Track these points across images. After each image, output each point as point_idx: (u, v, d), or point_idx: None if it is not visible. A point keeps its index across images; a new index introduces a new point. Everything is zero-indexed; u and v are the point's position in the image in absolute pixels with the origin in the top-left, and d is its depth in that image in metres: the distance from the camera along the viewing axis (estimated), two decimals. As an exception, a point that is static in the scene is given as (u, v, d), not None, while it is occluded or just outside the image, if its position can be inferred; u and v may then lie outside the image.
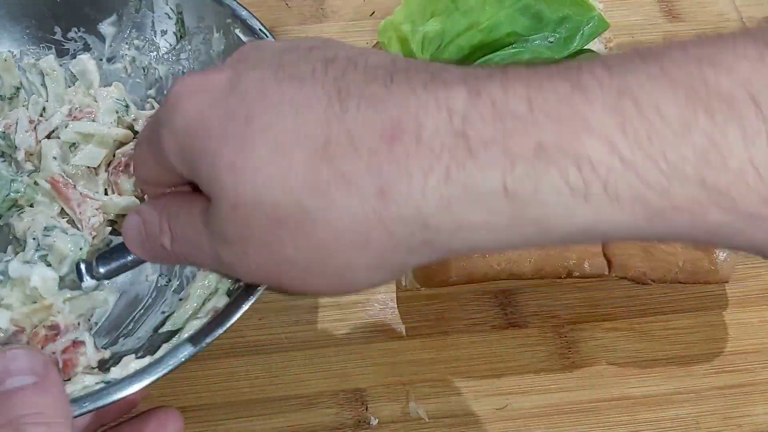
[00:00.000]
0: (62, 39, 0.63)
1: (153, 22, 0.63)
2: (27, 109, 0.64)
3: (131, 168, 0.59)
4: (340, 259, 0.32)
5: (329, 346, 0.61)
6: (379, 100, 0.31)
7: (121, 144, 0.62)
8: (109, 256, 0.47)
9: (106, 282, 0.51)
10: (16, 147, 0.61)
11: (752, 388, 0.61)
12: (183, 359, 0.44)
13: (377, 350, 0.61)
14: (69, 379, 0.44)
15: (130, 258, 0.45)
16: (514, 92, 0.30)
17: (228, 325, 0.44)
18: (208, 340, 0.44)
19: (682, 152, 0.28)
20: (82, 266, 0.47)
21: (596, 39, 0.66)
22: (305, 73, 0.32)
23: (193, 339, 0.44)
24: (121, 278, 0.52)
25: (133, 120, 0.62)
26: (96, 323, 0.52)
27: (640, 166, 0.28)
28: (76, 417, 0.39)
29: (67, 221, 0.59)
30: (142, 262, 0.46)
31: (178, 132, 0.34)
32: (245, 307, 0.43)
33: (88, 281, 0.47)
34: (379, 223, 0.31)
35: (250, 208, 0.32)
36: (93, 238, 0.57)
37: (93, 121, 0.61)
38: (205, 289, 0.48)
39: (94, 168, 0.61)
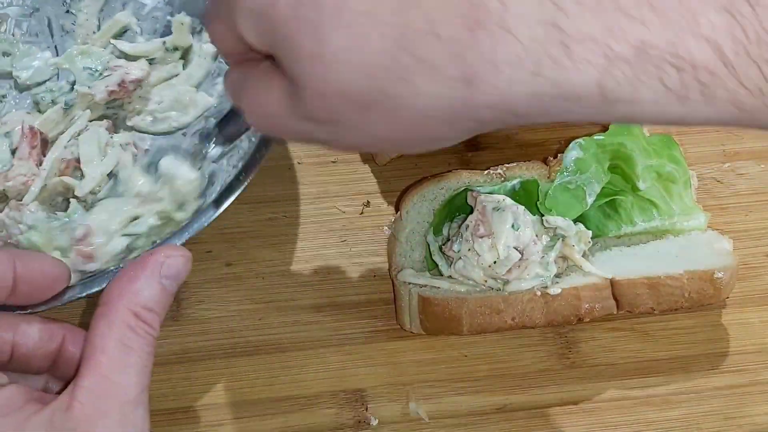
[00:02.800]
0: None
1: None
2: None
3: None
4: (430, 134, 0.33)
5: (329, 346, 0.61)
6: None
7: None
8: (226, 121, 0.49)
9: None
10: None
11: (753, 388, 0.60)
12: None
13: (377, 350, 0.61)
14: None
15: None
16: None
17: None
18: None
19: None
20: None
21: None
22: None
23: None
24: None
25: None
26: None
27: (743, 73, 0.28)
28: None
29: None
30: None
31: (250, 14, 0.33)
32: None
33: (213, 149, 0.50)
34: (466, 108, 0.31)
35: (337, 97, 0.32)
36: None
37: None
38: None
39: None
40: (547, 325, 0.59)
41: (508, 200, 0.59)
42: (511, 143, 0.71)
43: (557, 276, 0.59)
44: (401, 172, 0.69)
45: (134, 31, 0.69)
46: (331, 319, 0.62)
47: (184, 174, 0.53)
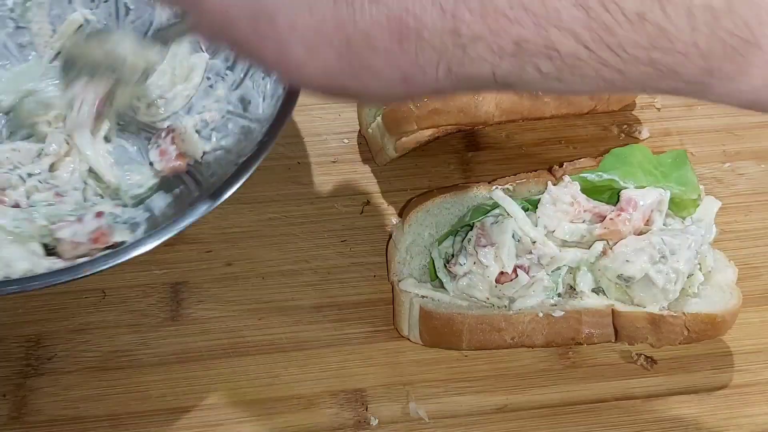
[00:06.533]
0: None
1: None
2: None
3: None
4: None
5: (329, 346, 0.61)
6: None
7: None
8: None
9: None
10: None
11: (752, 388, 0.61)
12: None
13: (377, 350, 0.61)
14: None
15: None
16: None
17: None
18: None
19: (637, 38, 0.34)
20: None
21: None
22: None
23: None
24: None
25: None
26: None
27: (602, 53, 0.35)
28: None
29: None
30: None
31: (207, 14, 0.39)
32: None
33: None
34: (408, 96, 0.39)
35: (308, 88, 0.40)
36: None
37: None
38: None
39: None
40: (546, 346, 0.59)
41: (505, 215, 0.59)
42: (511, 143, 0.71)
43: (560, 296, 0.59)
44: (401, 172, 0.69)
45: (92, 23, 0.67)
46: (331, 319, 0.62)
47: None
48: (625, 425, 0.59)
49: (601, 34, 0.34)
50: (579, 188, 0.59)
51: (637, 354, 0.61)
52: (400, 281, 0.60)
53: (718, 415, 0.59)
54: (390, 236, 0.63)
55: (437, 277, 0.60)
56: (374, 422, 0.58)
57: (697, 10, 0.33)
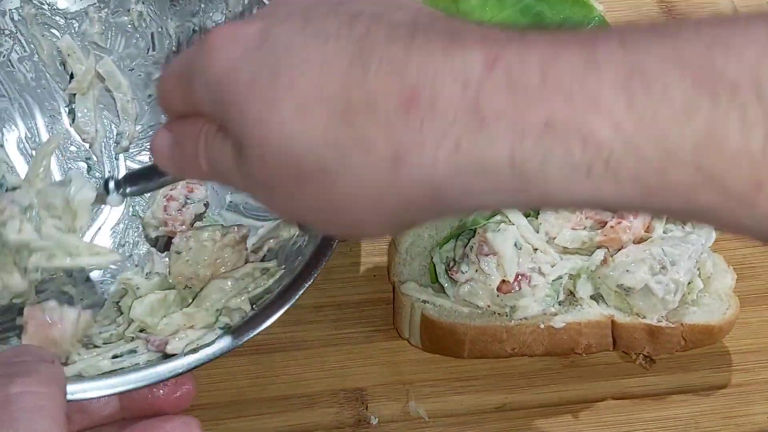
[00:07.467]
0: None
1: None
2: None
3: None
4: (354, 216, 0.35)
5: (329, 346, 0.61)
6: (398, 63, 0.32)
7: None
8: (137, 175, 0.50)
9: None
10: None
11: (752, 387, 0.61)
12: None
13: (377, 350, 0.61)
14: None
15: (157, 179, 0.48)
16: (529, 62, 0.30)
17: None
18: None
19: (683, 136, 0.29)
20: (111, 183, 0.49)
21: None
22: (330, 30, 0.34)
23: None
24: None
25: None
26: None
27: (642, 147, 0.29)
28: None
29: None
30: (167, 183, 0.49)
31: (210, 83, 0.36)
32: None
33: (115, 197, 0.49)
34: (392, 186, 0.32)
35: (276, 161, 0.34)
36: None
37: None
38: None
39: None
40: (544, 355, 0.60)
41: (507, 222, 0.59)
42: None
43: (561, 303, 0.59)
44: (401, 172, 0.69)
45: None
46: (331, 319, 0.62)
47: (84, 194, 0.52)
48: (623, 424, 0.59)
49: (644, 124, 0.29)
50: None
51: (635, 353, 0.61)
52: (401, 284, 0.60)
53: (716, 414, 0.60)
54: (391, 240, 0.63)
55: (437, 280, 0.60)
56: (374, 421, 0.59)
57: (752, 108, 0.28)
